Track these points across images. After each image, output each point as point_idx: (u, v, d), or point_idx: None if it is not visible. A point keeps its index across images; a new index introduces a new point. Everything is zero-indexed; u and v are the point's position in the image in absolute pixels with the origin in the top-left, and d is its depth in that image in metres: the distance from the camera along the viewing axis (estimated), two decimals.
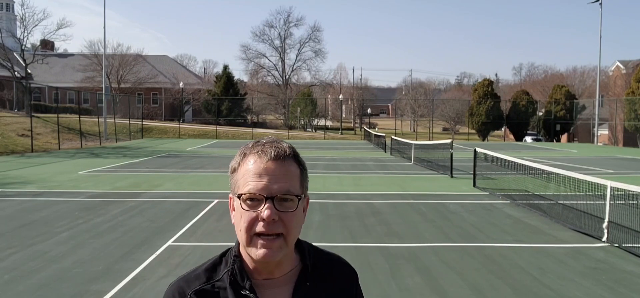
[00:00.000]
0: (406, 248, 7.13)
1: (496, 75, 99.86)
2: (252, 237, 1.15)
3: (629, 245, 7.14)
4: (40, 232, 7.72)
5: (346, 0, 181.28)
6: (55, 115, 29.17)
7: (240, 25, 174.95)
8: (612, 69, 51.09)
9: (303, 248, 1.29)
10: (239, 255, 1.23)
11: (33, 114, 28.71)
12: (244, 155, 1.21)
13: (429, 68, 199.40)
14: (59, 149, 25.79)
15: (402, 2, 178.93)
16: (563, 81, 60.52)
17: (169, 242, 7.18)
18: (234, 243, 1.26)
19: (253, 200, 1.15)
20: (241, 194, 1.16)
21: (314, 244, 1.34)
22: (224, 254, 1.28)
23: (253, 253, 1.16)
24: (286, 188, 1.16)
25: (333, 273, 1.32)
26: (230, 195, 1.23)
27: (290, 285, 1.23)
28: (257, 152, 1.19)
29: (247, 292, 1.19)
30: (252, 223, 1.14)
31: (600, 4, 41.93)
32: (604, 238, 7.45)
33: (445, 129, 63.20)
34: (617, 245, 7.23)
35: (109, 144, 31.62)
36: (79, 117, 30.04)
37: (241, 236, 1.18)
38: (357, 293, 1.38)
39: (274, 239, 1.14)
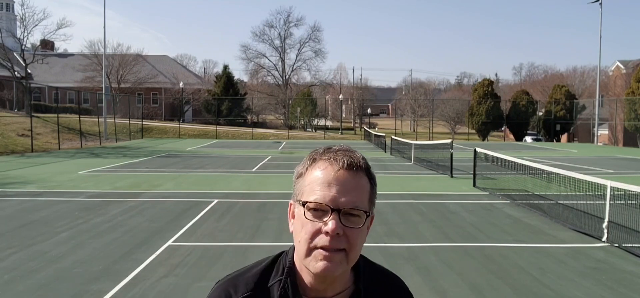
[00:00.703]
0: (406, 248, 7.13)
1: (496, 75, 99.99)
2: (312, 249, 1.08)
3: (629, 245, 7.14)
4: (40, 232, 7.71)
5: (346, 0, 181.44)
6: (55, 115, 29.17)
7: (240, 25, 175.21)
8: (612, 69, 51.09)
9: (358, 267, 1.20)
10: (292, 267, 1.16)
11: (33, 114, 28.70)
12: (314, 160, 1.13)
13: (429, 68, 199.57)
14: (59, 148, 25.79)
15: (402, 2, 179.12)
16: (563, 81, 60.53)
17: (169, 242, 7.18)
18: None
19: (318, 211, 1.07)
20: (306, 202, 1.08)
21: (370, 260, 1.27)
22: (276, 258, 1.21)
23: (311, 266, 1.08)
24: (355, 202, 1.08)
25: (387, 295, 1.24)
26: (291, 201, 1.16)
27: None
28: (329, 159, 1.11)
29: None
30: (314, 235, 1.07)
31: (600, 4, 41.95)
32: (604, 238, 7.45)
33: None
34: (617, 245, 7.23)
35: (109, 143, 31.62)
36: (79, 117, 30.05)
37: (300, 247, 1.10)
38: None
39: (336, 252, 1.07)
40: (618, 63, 49.40)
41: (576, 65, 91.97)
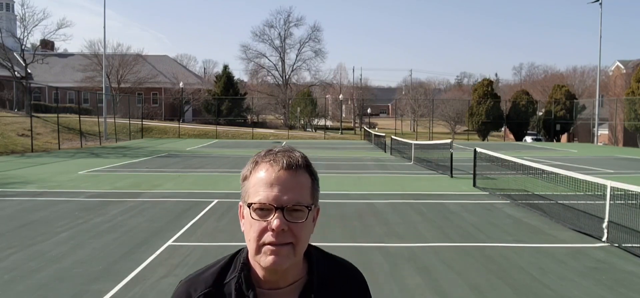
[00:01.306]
0: (406, 248, 7.13)
1: (496, 75, 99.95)
2: (261, 246, 1.15)
3: (629, 245, 7.14)
4: (40, 232, 7.71)
5: (346, 0, 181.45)
6: (55, 115, 29.16)
7: (240, 25, 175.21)
8: (612, 69, 51.09)
9: (311, 257, 1.27)
10: (247, 263, 1.23)
11: (33, 114, 28.69)
12: (256, 163, 1.20)
13: (429, 68, 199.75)
14: (59, 148, 25.79)
15: (402, 2, 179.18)
16: (563, 81, 60.52)
17: (169, 242, 7.18)
18: (244, 244, 1.25)
19: (263, 210, 1.15)
20: (251, 203, 1.16)
21: (323, 250, 1.33)
22: (234, 256, 1.28)
23: (261, 261, 1.16)
24: (296, 199, 1.16)
25: (341, 283, 1.30)
26: (240, 203, 1.23)
27: (295, 296, 1.23)
28: (269, 161, 1.18)
29: None
30: (262, 233, 1.14)
31: (600, 4, 41.96)
32: (604, 238, 7.45)
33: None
34: (617, 245, 7.23)
35: (109, 143, 31.63)
36: (79, 117, 30.03)
37: (250, 245, 1.18)
38: None
39: (283, 246, 1.14)
40: (618, 63, 49.41)
41: (576, 65, 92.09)
